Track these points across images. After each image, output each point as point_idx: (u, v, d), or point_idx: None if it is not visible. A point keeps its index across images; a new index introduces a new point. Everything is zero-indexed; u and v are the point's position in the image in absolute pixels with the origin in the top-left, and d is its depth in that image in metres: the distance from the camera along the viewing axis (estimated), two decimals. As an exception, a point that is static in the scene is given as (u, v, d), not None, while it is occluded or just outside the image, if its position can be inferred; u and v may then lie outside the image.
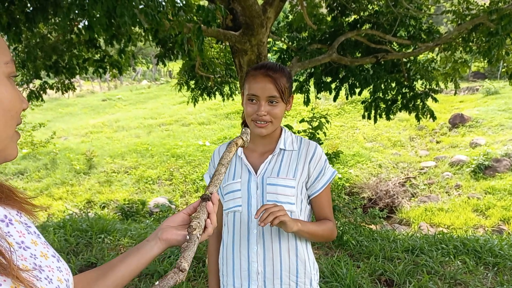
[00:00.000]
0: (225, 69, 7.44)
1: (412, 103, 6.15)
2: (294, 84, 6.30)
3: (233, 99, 8.33)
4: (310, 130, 5.13)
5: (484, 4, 5.40)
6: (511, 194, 9.06)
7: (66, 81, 6.59)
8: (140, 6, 2.96)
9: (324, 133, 5.19)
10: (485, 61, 5.72)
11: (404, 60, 6.01)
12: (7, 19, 3.72)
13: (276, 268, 1.49)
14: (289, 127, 4.54)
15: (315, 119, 5.15)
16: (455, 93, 7.32)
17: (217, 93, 7.81)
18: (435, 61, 6.65)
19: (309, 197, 1.57)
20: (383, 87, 6.08)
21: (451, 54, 6.18)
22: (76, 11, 3.01)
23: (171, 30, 3.24)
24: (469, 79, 20.24)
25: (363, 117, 6.56)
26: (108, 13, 2.81)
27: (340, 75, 6.06)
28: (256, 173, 1.52)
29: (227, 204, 1.56)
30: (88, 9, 2.83)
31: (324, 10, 6.18)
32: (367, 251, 4.29)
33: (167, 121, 17.26)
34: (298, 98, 6.88)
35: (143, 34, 5.46)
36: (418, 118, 6.21)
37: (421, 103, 6.13)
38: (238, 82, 6.95)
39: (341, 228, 4.84)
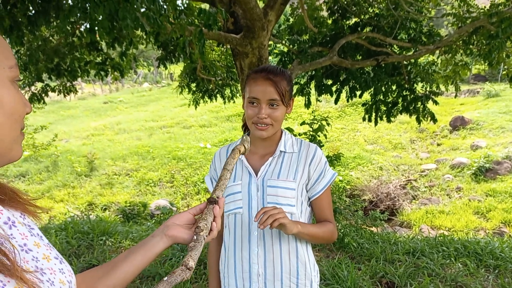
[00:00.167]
0: (226, 71, 7.46)
1: (413, 105, 6.15)
2: (295, 87, 6.31)
3: (234, 102, 8.35)
4: (311, 133, 5.14)
5: (485, 7, 5.41)
6: (512, 197, 9.05)
7: (68, 84, 6.61)
8: (142, 10, 2.97)
9: (325, 135, 5.19)
10: (486, 64, 5.72)
11: (405, 62, 6.02)
12: (9, 22, 3.74)
13: (276, 270, 1.50)
14: (290, 129, 4.56)
15: (315, 122, 5.16)
16: (455, 96, 7.30)
17: (218, 95, 7.82)
18: (435, 63, 6.66)
19: (309, 199, 1.58)
20: (383, 90, 6.09)
21: (452, 57, 6.19)
22: (78, 14, 3.02)
23: (173, 33, 3.25)
24: (470, 82, 20.23)
25: (364, 119, 6.57)
26: (110, 16, 2.82)
27: (341, 78, 6.07)
28: (256, 175, 1.53)
29: (228, 206, 1.57)
30: (90, 12, 2.84)
31: (324, 13, 6.20)
32: (368, 253, 4.29)
33: (169, 124, 17.28)
34: (299, 100, 6.89)
35: (145, 37, 5.48)
36: (418, 121, 6.21)
37: (422, 106, 6.13)
38: (239, 85, 6.97)
39: (342, 231, 4.84)
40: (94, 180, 11.54)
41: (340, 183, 10.17)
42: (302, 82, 6.48)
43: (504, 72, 6.44)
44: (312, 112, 6.46)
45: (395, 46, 5.93)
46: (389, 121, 6.41)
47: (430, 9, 6.26)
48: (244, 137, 1.31)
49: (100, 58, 5.85)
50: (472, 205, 8.95)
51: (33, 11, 3.77)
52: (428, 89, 6.22)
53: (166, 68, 5.97)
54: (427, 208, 9.21)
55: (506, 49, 5.24)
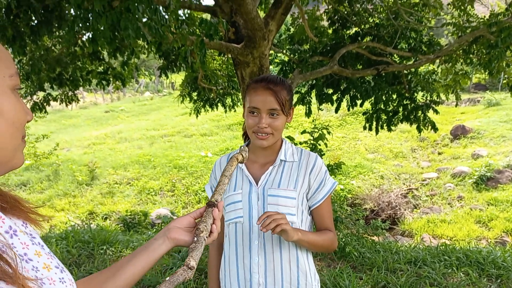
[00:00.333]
0: (227, 80, 7.49)
1: (413, 114, 6.16)
2: (296, 96, 6.33)
3: (235, 111, 8.37)
4: (312, 141, 5.15)
5: (484, 16, 5.44)
6: (514, 206, 9.02)
7: (70, 93, 6.64)
8: (144, 20, 3.00)
9: (326, 144, 5.20)
10: (486, 73, 5.74)
11: (405, 72, 6.04)
12: (12, 32, 3.77)
13: (277, 279, 1.50)
14: (291, 138, 4.56)
15: (316, 130, 5.17)
16: (456, 105, 7.30)
17: (219, 104, 7.85)
18: (436, 72, 6.68)
19: (310, 208, 1.58)
20: (384, 99, 6.10)
21: (452, 66, 6.21)
22: (81, 24, 3.05)
23: (174, 43, 3.28)
24: (470, 91, 20.28)
25: (365, 128, 6.58)
26: (112, 26, 2.85)
27: (341, 87, 6.09)
28: (257, 184, 1.54)
29: (228, 215, 1.57)
30: (93, 22, 2.87)
31: (325, 23, 6.24)
32: (370, 262, 4.27)
33: (170, 132, 17.30)
34: (300, 109, 6.90)
35: (147, 46, 5.52)
36: (419, 130, 6.22)
37: (422, 115, 6.15)
38: (240, 94, 6.99)
39: (344, 240, 4.83)
40: (95, 189, 11.53)
41: (341, 192, 10.15)
42: (303, 91, 6.50)
43: (504, 81, 6.45)
44: (313, 121, 6.47)
45: (395, 55, 5.95)
46: (389, 130, 6.42)
47: (430, 19, 6.29)
48: (242, 147, 1.32)
49: (102, 67, 5.89)
50: (474, 214, 8.92)
51: (36, 21, 3.81)
52: (428, 98, 6.24)
53: (167, 77, 6.01)
54: (428, 217, 9.17)
55: (506, 58, 5.26)
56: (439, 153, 13.24)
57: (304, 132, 5.28)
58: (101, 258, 4.41)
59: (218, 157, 1.72)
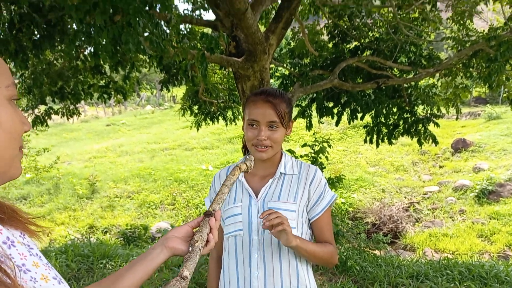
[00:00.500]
0: (228, 94, 7.53)
1: (414, 128, 6.17)
2: (297, 109, 6.35)
3: (236, 124, 8.39)
4: (312, 155, 5.15)
5: (483, 30, 5.49)
6: (516, 219, 8.96)
7: (71, 107, 6.67)
8: (145, 34, 3.03)
9: (327, 157, 5.20)
10: (486, 87, 5.77)
11: (405, 85, 6.07)
12: (15, 46, 3.80)
13: (277, 293, 1.49)
14: (292, 151, 4.57)
15: (317, 144, 5.18)
16: (456, 118, 7.32)
17: (220, 118, 7.87)
18: (436, 86, 6.71)
19: (309, 220, 1.57)
20: (384, 112, 6.12)
21: (452, 80, 6.24)
22: (83, 38, 3.08)
23: (176, 57, 3.31)
24: (471, 104, 20.33)
25: (365, 141, 6.59)
26: (113, 40, 2.88)
27: (342, 100, 6.11)
28: (257, 197, 1.53)
29: (228, 229, 1.56)
30: (94, 37, 2.90)
31: (325, 37, 6.30)
32: (372, 277, 4.23)
33: (171, 146, 17.32)
34: (301, 122, 6.92)
35: (148, 60, 5.56)
36: (420, 143, 6.22)
37: (423, 128, 6.15)
38: (241, 107, 7.02)
39: (345, 254, 4.79)
40: (95, 202, 11.49)
41: (343, 206, 10.11)
42: (303, 105, 6.53)
43: (504, 95, 6.47)
44: (314, 134, 6.49)
45: (395, 69, 5.99)
46: (390, 143, 6.42)
47: (429, 33, 6.34)
48: (248, 156, 1.32)
49: (104, 81, 5.92)
50: (476, 228, 8.86)
51: (38, 36, 3.84)
52: (429, 111, 6.25)
53: (168, 90, 6.04)
54: (430, 231, 9.12)
55: (506, 72, 5.29)
56: (440, 167, 13.22)
57: (305, 145, 5.28)
58: (101, 272, 4.38)
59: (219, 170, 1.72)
